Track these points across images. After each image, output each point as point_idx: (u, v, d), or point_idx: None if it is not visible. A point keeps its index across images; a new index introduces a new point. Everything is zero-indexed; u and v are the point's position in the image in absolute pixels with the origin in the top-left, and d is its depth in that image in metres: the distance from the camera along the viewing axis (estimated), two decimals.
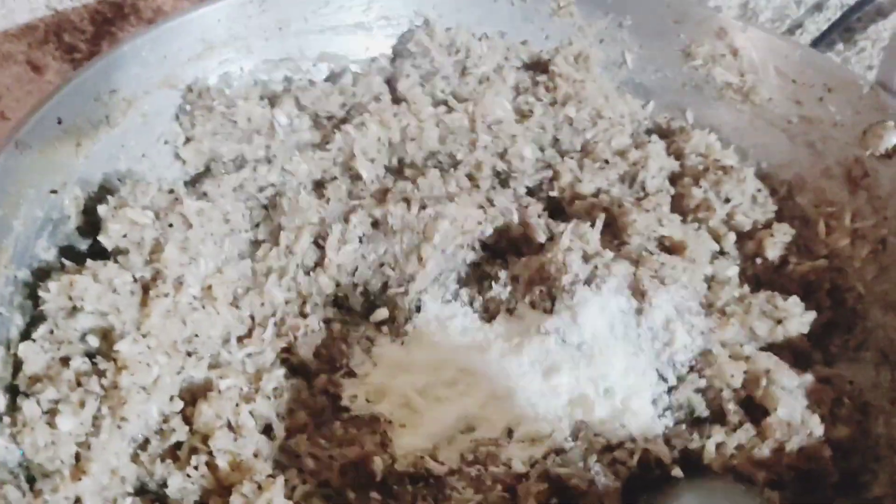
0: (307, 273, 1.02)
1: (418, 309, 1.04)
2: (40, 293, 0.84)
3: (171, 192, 0.94)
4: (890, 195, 1.04)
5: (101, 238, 0.90)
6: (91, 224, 0.94)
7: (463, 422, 0.93)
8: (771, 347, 1.00)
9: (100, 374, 0.81)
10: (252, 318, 0.97)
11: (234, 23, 1.08)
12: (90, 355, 0.84)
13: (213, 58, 1.08)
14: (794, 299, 1.00)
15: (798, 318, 0.99)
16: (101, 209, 0.91)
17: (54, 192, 0.91)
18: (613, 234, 1.07)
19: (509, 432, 0.93)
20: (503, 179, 1.15)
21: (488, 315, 1.04)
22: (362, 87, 1.15)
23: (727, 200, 1.11)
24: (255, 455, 0.83)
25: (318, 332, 0.97)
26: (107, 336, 0.85)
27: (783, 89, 1.15)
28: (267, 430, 0.88)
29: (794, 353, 1.00)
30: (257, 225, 1.06)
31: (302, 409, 0.92)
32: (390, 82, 1.18)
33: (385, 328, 1.03)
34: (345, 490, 0.85)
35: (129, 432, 0.80)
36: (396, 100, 1.16)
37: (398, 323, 1.03)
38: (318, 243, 1.04)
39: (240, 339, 0.94)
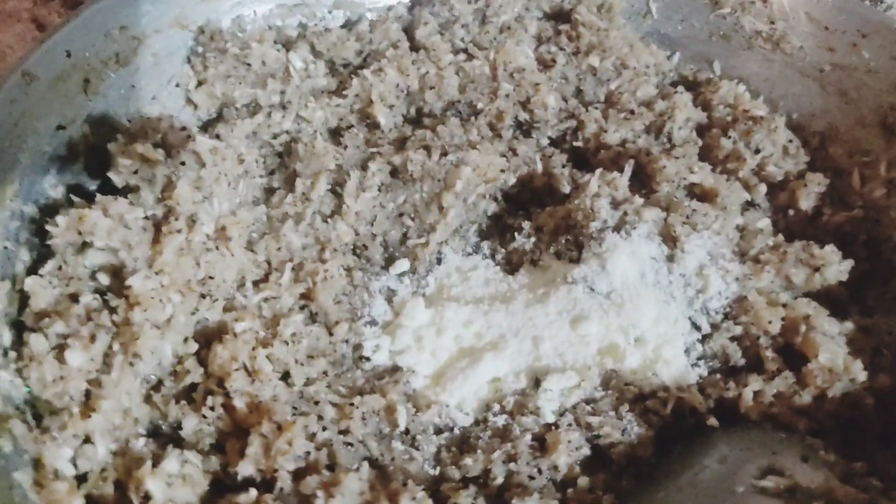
0: (325, 220, 0.98)
1: (439, 261, 1.01)
2: (48, 227, 0.80)
3: (184, 129, 0.90)
4: None
5: (110, 174, 0.86)
6: (101, 164, 0.90)
7: (489, 373, 0.89)
8: (807, 296, 0.96)
9: (111, 310, 0.77)
10: (268, 262, 0.93)
11: None
12: (100, 292, 0.80)
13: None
14: (831, 247, 0.96)
15: (836, 266, 0.95)
16: (111, 145, 0.87)
17: (62, 127, 0.88)
18: (641, 182, 1.03)
19: (536, 382, 0.89)
20: (525, 129, 1.11)
21: (511, 267, 1.01)
22: (379, 33, 1.12)
23: (757, 151, 1.07)
24: (274, 399, 0.79)
25: (338, 279, 0.92)
26: (117, 273, 0.81)
27: (815, 36, 1.11)
28: (285, 377, 0.83)
29: (830, 302, 0.96)
30: (272, 172, 1.02)
31: (321, 356, 0.88)
32: (408, 31, 1.15)
33: (406, 279, 0.99)
34: (366, 439, 0.81)
35: (141, 371, 0.76)
36: (415, 48, 1.12)
37: (419, 274, 0.99)
38: (336, 191, 1.00)
39: (256, 284, 0.90)
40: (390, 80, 1.06)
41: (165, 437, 0.77)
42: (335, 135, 1.06)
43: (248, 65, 1.02)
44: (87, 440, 0.72)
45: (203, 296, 0.85)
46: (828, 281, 0.95)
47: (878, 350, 0.91)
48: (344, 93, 1.06)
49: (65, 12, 1.34)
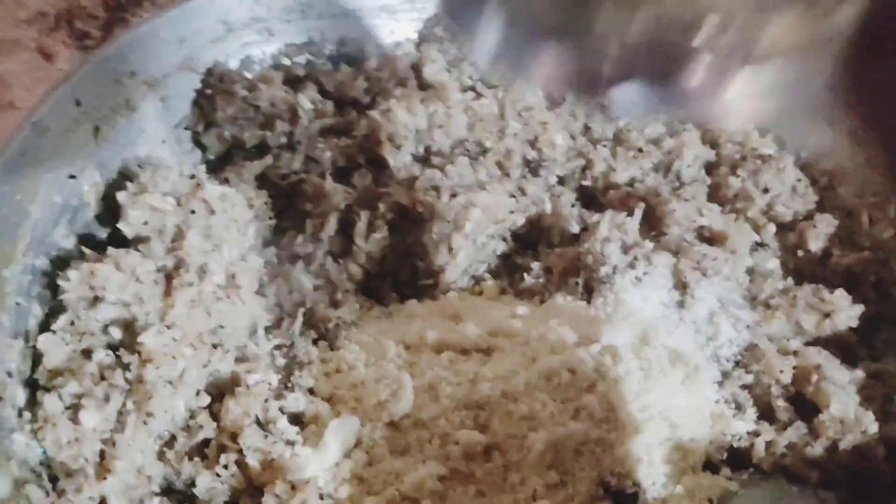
0: (336, 261, 0.98)
1: None
2: (60, 282, 0.80)
3: (193, 177, 0.90)
4: None
5: (120, 225, 0.86)
6: (111, 211, 0.90)
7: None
8: (816, 342, 0.96)
9: (124, 367, 0.77)
10: (280, 307, 0.92)
11: (256, 4, 1.05)
12: (113, 347, 0.80)
13: (234, 40, 1.04)
14: (841, 292, 0.96)
15: (846, 312, 0.95)
16: (121, 196, 0.87)
17: (73, 177, 0.87)
18: (650, 224, 1.03)
19: None
20: (533, 168, 1.11)
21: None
22: (387, 72, 1.11)
23: (766, 190, 1.07)
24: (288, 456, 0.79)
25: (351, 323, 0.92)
26: (129, 327, 0.80)
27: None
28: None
29: (840, 348, 0.96)
30: (281, 213, 1.02)
31: None
32: (416, 68, 1.14)
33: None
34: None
35: (154, 429, 0.76)
36: (422, 86, 1.12)
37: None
38: (346, 231, 1.00)
39: (267, 330, 0.90)
40: (398, 119, 1.05)
41: (179, 495, 0.77)
42: (344, 175, 1.06)
43: (257, 107, 1.02)
44: (103, 501, 0.72)
45: (215, 346, 0.85)
46: (837, 327, 0.95)
47: (889, 397, 0.91)
48: (352, 133, 1.06)
49: (71, 42, 1.34)
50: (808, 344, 0.95)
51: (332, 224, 1.00)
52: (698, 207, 1.03)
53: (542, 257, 1.03)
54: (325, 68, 1.10)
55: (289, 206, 1.04)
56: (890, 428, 0.88)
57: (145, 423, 0.75)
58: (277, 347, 0.89)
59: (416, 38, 1.17)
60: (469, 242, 1.00)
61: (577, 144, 1.12)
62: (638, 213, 1.00)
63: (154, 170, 0.89)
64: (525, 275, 1.01)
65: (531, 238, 1.06)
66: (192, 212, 0.88)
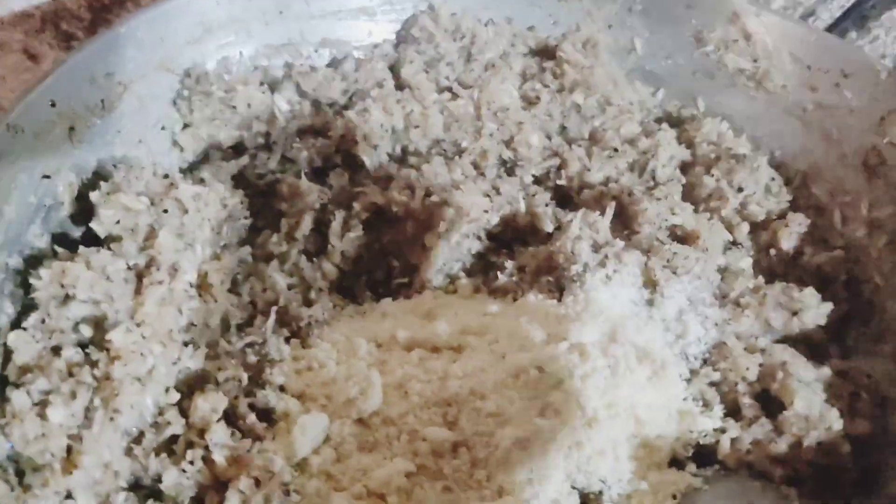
0: (310, 260, 0.99)
1: None
2: (31, 281, 0.81)
3: (166, 177, 0.91)
4: None
5: (93, 225, 0.86)
6: (85, 211, 0.90)
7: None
8: (786, 340, 0.97)
9: (92, 364, 0.78)
10: (253, 304, 0.93)
11: (233, 5, 1.06)
12: (83, 345, 0.81)
13: (211, 41, 1.05)
14: (811, 290, 0.97)
15: (815, 310, 0.96)
16: (94, 195, 0.88)
17: (47, 177, 0.88)
18: (623, 223, 1.04)
19: None
20: (509, 168, 1.12)
21: None
22: (365, 72, 1.12)
23: (740, 190, 1.08)
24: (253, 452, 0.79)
25: (324, 322, 0.93)
26: (100, 325, 0.81)
27: (798, 75, 1.12)
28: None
29: (809, 345, 0.97)
30: (257, 213, 1.03)
31: None
32: (394, 68, 1.16)
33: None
34: None
35: (122, 425, 0.77)
36: (400, 86, 1.13)
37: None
38: (321, 231, 1.01)
39: (240, 328, 0.91)
40: (375, 119, 1.07)
41: (146, 490, 0.78)
42: (320, 174, 1.07)
43: (234, 107, 1.03)
44: (69, 496, 0.73)
45: (185, 343, 0.85)
46: (806, 325, 0.96)
47: (857, 394, 0.92)
48: (329, 133, 1.07)
49: (56, 44, 1.35)
50: (777, 342, 0.96)
51: (306, 223, 1.01)
52: (671, 206, 1.03)
53: (516, 256, 1.04)
54: (302, 69, 1.11)
55: (265, 206, 1.05)
56: (856, 425, 0.89)
57: (112, 419, 0.75)
58: (249, 345, 0.90)
59: (395, 40, 1.18)
60: (444, 241, 1.01)
61: (552, 144, 1.13)
62: (609, 212, 1.01)
63: (127, 170, 0.90)
64: (499, 273, 1.02)
65: (506, 237, 1.07)
66: (165, 211, 0.89)
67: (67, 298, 0.81)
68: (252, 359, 0.89)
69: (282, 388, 0.88)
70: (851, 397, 0.91)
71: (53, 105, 0.89)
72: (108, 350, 0.78)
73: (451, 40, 1.16)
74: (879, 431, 0.91)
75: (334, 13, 1.14)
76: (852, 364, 0.95)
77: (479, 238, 1.05)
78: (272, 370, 0.88)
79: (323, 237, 1.02)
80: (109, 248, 0.86)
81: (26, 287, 0.83)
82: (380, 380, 0.88)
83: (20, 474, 0.74)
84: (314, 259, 1.01)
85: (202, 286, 0.89)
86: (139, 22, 0.97)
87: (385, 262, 1.03)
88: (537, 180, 1.12)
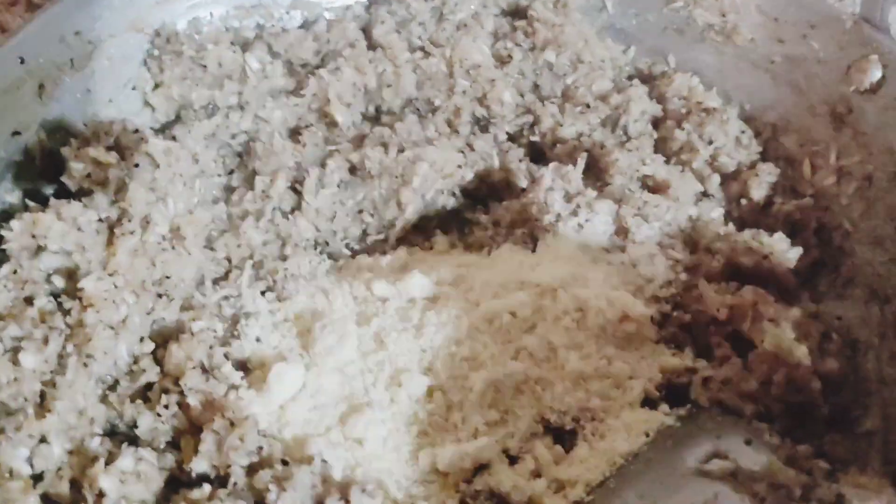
0: (285, 217, 0.99)
1: None
2: (2, 233, 0.81)
3: (136, 132, 0.91)
4: (876, 130, 1.02)
5: (64, 179, 0.87)
6: (57, 168, 0.91)
7: None
8: (756, 284, 0.97)
9: (65, 312, 0.78)
10: (229, 260, 0.94)
11: None
12: (55, 295, 0.81)
13: (181, 2, 1.06)
14: (780, 235, 0.98)
15: (784, 254, 0.97)
16: (64, 150, 0.88)
17: (17, 133, 0.89)
18: (596, 175, 1.05)
19: None
20: (482, 125, 1.12)
21: None
22: (336, 33, 1.13)
23: (710, 142, 1.09)
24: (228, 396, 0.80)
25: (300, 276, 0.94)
26: (72, 276, 0.82)
27: (765, 28, 1.12)
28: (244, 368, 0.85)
29: (780, 290, 0.98)
30: (231, 172, 1.04)
31: None
32: (365, 30, 1.16)
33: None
34: None
35: (96, 371, 0.77)
36: (372, 46, 1.14)
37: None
38: (296, 189, 1.02)
39: (215, 282, 0.92)
40: (347, 78, 1.07)
41: (122, 436, 0.78)
42: (294, 134, 1.08)
43: (205, 67, 1.04)
44: (43, 440, 0.73)
45: (160, 295, 0.86)
46: (776, 269, 0.97)
47: (827, 335, 0.93)
48: (301, 92, 1.07)
49: (29, 17, 1.35)
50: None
51: (281, 181, 1.01)
52: (642, 158, 1.04)
53: (491, 211, 1.04)
54: (273, 30, 1.11)
55: (240, 165, 1.05)
56: (826, 363, 0.90)
57: (86, 365, 0.76)
58: (225, 298, 0.90)
59: (366, 1, 1.18)
60: (417, 197, 1.02)
61: (525, 101, 1.13)
62: (581, 163, 1.02)
63: (97, 124, 0.90)
64: (474, 228, 1.03)
65: (481, 193, 1.08)
66: (136, 165, 0.89)
67: (39, 249, 0.82)
68: (228, 311, 0.90)
69: (258, 341, 0.88)
70: (822, 338, 0.92)
71: (22, 62, 0.89)
72: (80, 298, 0.79)
73: (422, 1, 1.16)
74: (851, 371, 0.92)
75: None
76: (823, 306, 0.97)
77: (453, 195, 1.06)
78: (247, 322, 0.88)
79: (298, 195, 1.02)
80: (72, 200, 0.86)
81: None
82: (356, 330, 0.88)
83: None
84: (289, 217, 1.01)
85: (175, 239, 0.89)
86: None
87: (360, 218, 1.03)
88: (511, 137, 1.12)
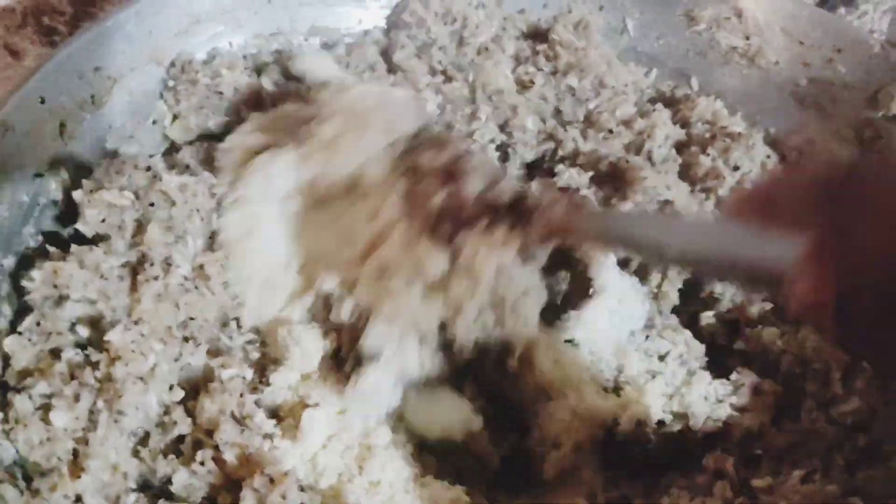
0: None
1: None
2: (24, 283, 0.80)
3: (149, 169, 0.89)
4: None
5: (78, 225, 0.85)
6: (72, 209, 0.89)
7: None
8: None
9: (93, 365, 0.77)
10: None
11: None
12: (81, 346, 0.79)
13: (200, 33, 1.04)
14: None
15: None
16: (76, 194, 0.86)
17: (40, 175, 0.87)
18: (615, 188, 1.03)
19: None
20: (504, 152, 1.11)
21: None
22: (356, 56, 1.11)
23: (736, 168, 1.07)
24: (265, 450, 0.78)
25: None
26: (96, 324, 0.80)
27: (790, 51, 1.11)
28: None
29: None
30: None
31: None
32: (385, 54, 1.14)
33: None
34: None
35: (127, 426, 0.75)
36: (392, 70, 1.12)
37: None
38: None
39: (239, 322, 0.90)
40: None
41: (157, 490, 0.77)
42: None
43: (221, 93, 1.02)
44: (79, 500, 0.72)
45: (186, 339, 0.84)
46: None
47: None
48: None
49: (38, 40, 1.33)
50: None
51: None
52: (667, 183, 1.03)
53: None
54: (290, 54, 1.09)
55: None
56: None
57: (117, 421, 0.74)
58: (250, 342, 0.88)
59: (385, 26, 1.17)
60: None
61: (546, 127, 1.12)
62: (588, 173, 1.02)
63: (108, 164, 0.88)
64: None
65: None
66: (152, 204, 0.87)
67: (62, 299, 0.80)
68: (255, 355, 0.88)
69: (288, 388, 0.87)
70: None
71: (43, 102, 0.88)
72: (107, 350, 0.77)
73: (441, 24, 1.14)
74: (883, 404, 0.91)
75: (323, 0, 1.12)
76: None
77: None
78: (276, 366, 0.86)
79: None
80: (99, 246, 0.84)
81: (21, 289, 0.81)
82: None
83: (28, 479, 0.73)
84: None
85: (198, 279, 0.87)
86: (127, 15, 0.96)
87: None
88: (533, 164, 1.11)
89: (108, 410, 0.75)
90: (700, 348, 0.94)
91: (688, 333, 0.95)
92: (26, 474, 0.73)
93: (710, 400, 0.90)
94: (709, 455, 0.88)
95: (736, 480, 0.85)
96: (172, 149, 1.01)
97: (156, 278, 0.83)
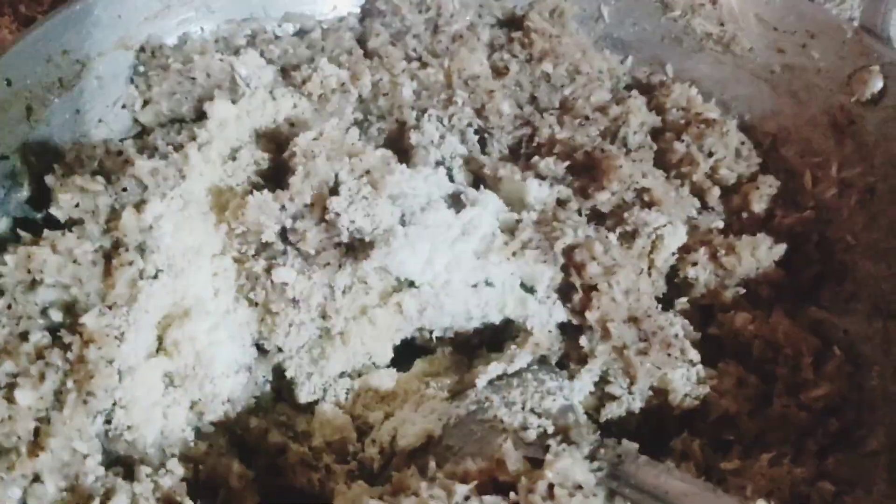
0: None
1: None
2: None
3: (120, 153, 0.88)
4: (877, 141, 1.01)
5: (52, 210, 0.84)
6: (46, 191, 0.88)
7: None
8: (747, 284, 0.98)
9: (64, 347, 0.76)
10: None
11: None
12: (51, 329, 0.79)
13: (171, 17, 1.03)
14: (762, 235, 0.99)
15: (765, 250, 0.98)
16: (48, 179, 0.86)
17: (5, 157, 0.87)
18: (593, 177, 1.03)
19: None
20: (480, 137, 1.10)
21: None
22: (332, 41, 1.11)
23: (710, 154, 1.08)
24: None
25: None
26: (70, 309, 0.80)
27: (764, 38, 1.11)
28: None
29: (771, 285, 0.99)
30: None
31: None
32: (360, 41, 1.14)
33: None
34: None
35: (94, 407, 0.75)
36: (368, 56, 1.12)
37: None
38: None
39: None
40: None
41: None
42: None
43: (193, 78, 1.01)
44: (37, 479, 0.71)
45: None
46: (761, 264, 0.96)
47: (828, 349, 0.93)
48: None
49: (16, 28, 1.32)
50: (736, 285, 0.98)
51: None
52: (643, 170, 1.02)
53: None
54: (266, 37, 1.09)
55: None
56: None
57: (86, 402, 0.74)
58: None
59: (359, 13, 1.16)
60: None
61: (523, 113, 1.12)
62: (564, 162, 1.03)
63: (79, 149, 0.88)
64: None
65: None
66: (125, 189, 0.86)
67: (34, 283, 0.79)
68: None
69: None
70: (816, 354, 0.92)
71: (9, 84, 0.87)
72: (80, 334, 0.77)
73: (416, 12, 1.14)
74: (854, 388, 0.91)
75: None
76: (827, 316, 0.96)
77: None
78: None
79: None
80: (73, 231, 0.83)
81: None
82: None
83: None
84: None
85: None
86: None
87: None
88: (510, 150, 1.11)
89: (77, 392, 0.74)
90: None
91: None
92: None
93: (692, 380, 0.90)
94: (676, 438, 0.88)
95: (701, 462, 0.85)
96: (143, 132, 1.00)
97: (131, 263, 0.83)
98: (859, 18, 1.07)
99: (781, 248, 0.99)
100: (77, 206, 0.84)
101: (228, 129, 0.97)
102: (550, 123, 1.09)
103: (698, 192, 1.06)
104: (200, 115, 1.02)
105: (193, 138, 0.95)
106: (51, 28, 0.91)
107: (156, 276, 0.84)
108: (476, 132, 1.10)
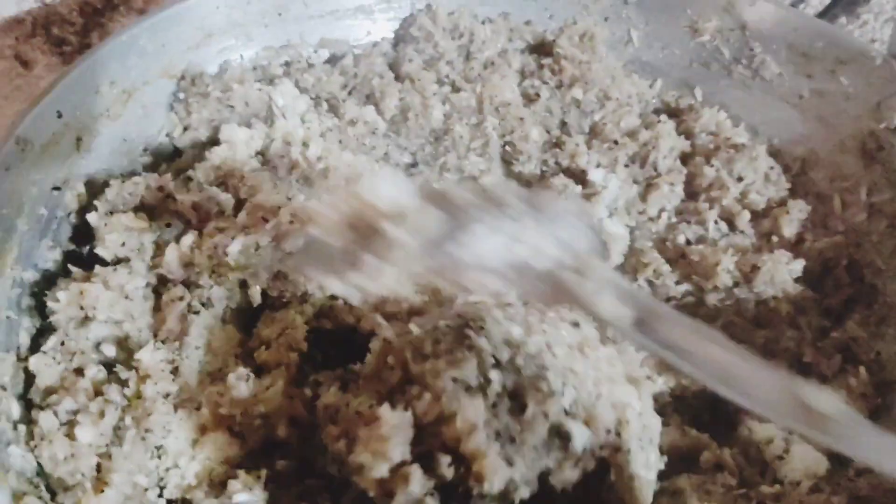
0: None
1: None
2: (49, 303, 0.81)
3: (161, 189, 0.90)
4: None
5: (98, 250, 0.86)
6: (88, 227, 0.90)
7: None
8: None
9: (120, 382, 0.78)
10: None
11: (233, 9, 1.05)
12: (106, 364, 0.80)
13: (211, 46, 1.05)
14: (781, 251, 1.01)
15: (783, 265, 0.99)
16: (91, 218, 0.87)
17: (57, 188, 0.88)
18: None
19: None
20: (507, 161, 1.12)
21: None
22: (364, 66, 1.12)
23: (740, 179, 1.09)
24: None
25: None
26: (122, 344, 0.81)
27: (793, 63, 1.13)
28: None
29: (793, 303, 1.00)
30: None
31: None
32: (392, 67, 1.15)
33: None
34: None
35: (152, 443, 0.76)
36: (399, 78, 1.13)
37: None
38: None
39: None
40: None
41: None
42: None
43: (232, 107, 1.03)
44: None
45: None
46: (777, 280, 0.98)
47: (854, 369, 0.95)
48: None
49: (48, 49, 1.34)
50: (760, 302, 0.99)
51: None
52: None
53: None
54: (300, 66, 1.11)
55: None
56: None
57: (144, 438, 0.75)
58: None
59: (393, 39, 1.18)
60: None
61: (552, 138, 1.14)
62: None
63: (121, 185, 0.89)
64: None
65: None
66: (168, 225, 0.88)
67: (87, 319, 0.81)
68: None
69: None
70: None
71: (60, 116, 0.88)
72: (136, 369, 0.78)
73: (449, 39, 1.16)
74: (884, 412, 0.93)
75: (332, 13, 1.14)
76: (860, 334, 0.97)
77: None
78: None
79: None
80: (117, 267, 0.85)
81: (43, 302, 0.83)
82: None
83: (51, 490, 0.74)
84: None
85: None
86: (141, 29, 0.97)
87: None
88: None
89: (135, 427, 0.75)
90: None
91: None
92: (49, 487, 0.74)
93: None
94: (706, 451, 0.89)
95: (735, 471, 0.86)
96: (182, 162, 1.02)
97: (181, 298, 0.84)
98: (888, 46, 1.08)
99: (800, 265, 1.00)
100: (123, 244, 0.85)
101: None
102: (577, 143, 1.11)
103: (728, 217, 1.08)
104: None
105: None
106: (98, 59, 0.93)
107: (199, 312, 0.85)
108: (503, 158, 1.12)
